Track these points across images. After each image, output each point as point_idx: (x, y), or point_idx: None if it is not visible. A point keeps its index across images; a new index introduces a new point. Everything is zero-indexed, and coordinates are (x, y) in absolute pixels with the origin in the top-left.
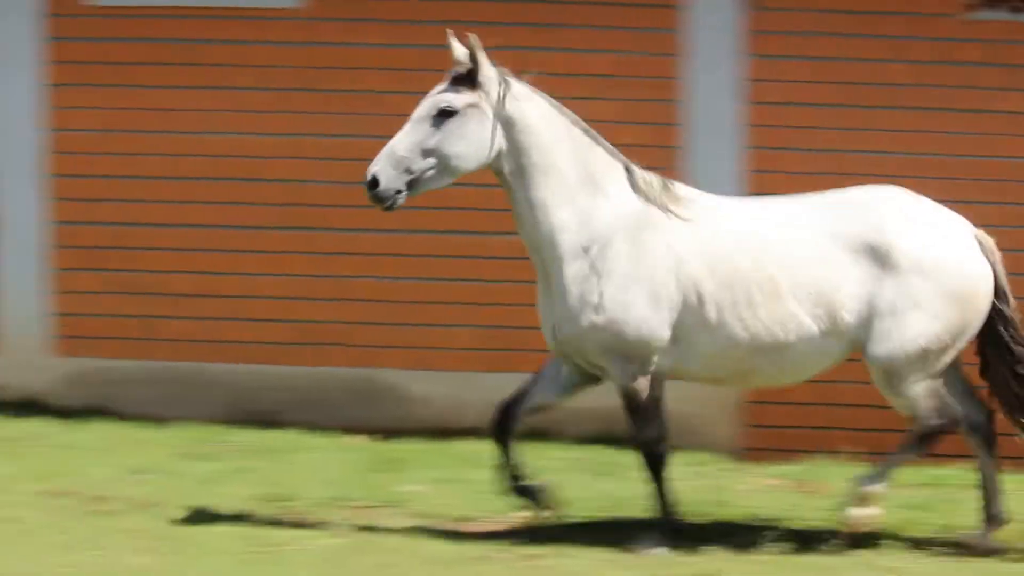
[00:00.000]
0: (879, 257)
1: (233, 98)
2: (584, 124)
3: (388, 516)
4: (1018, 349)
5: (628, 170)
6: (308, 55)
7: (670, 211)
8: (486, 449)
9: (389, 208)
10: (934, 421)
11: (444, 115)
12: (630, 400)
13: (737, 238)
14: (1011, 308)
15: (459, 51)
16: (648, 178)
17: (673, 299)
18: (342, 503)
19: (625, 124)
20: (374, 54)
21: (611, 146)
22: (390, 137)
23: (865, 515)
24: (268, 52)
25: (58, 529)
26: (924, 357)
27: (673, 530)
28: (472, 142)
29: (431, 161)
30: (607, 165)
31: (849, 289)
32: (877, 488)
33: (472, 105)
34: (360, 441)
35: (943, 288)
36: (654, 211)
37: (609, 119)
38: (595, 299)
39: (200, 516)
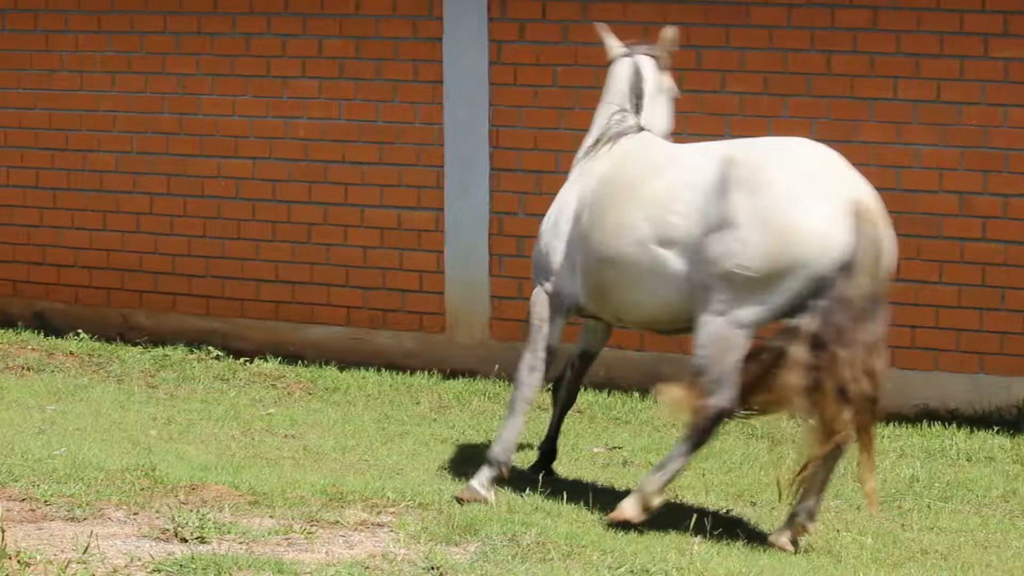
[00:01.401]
0: (725, 173)
1: None
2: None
3: None
4: (836, 349)
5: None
6: None
7: (594, 152)
8: None
9: None
10: (706, 406)
11: None
12: (529, 311)
13: (632, 161)
14: (859, 294)
15: None
16: (616, 119)
17: (570, 221)
18: None
19: None
20: None
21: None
22: None
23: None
24: None
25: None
26: (727, 286)
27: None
28: None
29: None
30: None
31: (682, 196)
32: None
33: None
34: None
35: (761, 211)
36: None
37: None
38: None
39: None
